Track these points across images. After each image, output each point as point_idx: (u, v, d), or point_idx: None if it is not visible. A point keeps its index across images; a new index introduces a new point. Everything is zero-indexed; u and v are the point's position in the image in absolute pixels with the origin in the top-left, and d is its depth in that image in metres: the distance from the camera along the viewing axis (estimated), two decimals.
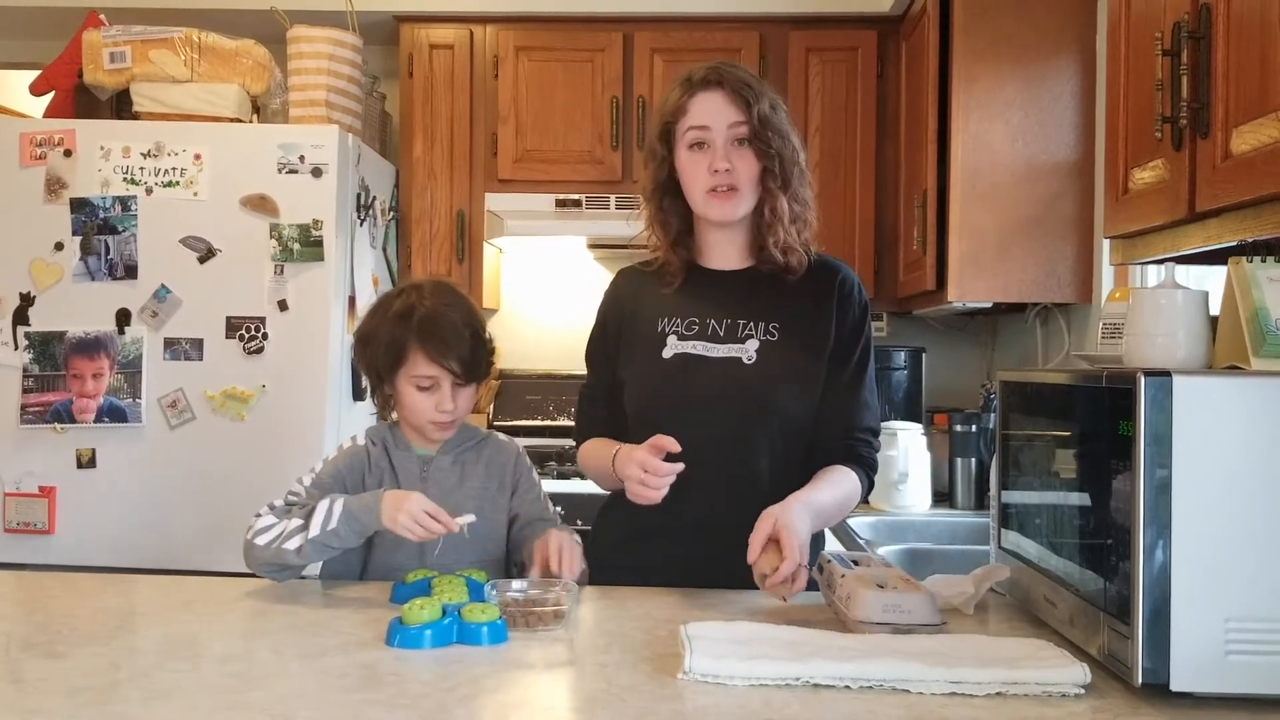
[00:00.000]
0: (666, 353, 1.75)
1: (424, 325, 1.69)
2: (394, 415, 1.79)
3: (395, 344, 1.69)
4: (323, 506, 1.60)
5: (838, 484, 1.71)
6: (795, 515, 1.55)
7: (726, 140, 1.71)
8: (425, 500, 1.57)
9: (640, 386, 1.77)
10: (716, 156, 1.70)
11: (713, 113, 1.72)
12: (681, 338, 1.75)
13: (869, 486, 1.79)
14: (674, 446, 1.57)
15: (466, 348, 1.71)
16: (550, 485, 2.93)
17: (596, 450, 1.78)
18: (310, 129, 2.93)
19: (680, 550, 1.71)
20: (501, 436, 1.86)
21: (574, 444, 1.89)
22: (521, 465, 1.83)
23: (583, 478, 1.88)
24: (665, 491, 1.58)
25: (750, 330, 1.73)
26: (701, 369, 1.72)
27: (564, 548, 1.63)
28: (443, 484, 1.74)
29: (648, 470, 1.57)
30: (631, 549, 1.74)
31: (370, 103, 3.38)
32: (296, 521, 1.60)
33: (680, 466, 1.58)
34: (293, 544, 1.59)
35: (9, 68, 4.00)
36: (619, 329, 1.82)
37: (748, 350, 1.73)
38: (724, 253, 1.80)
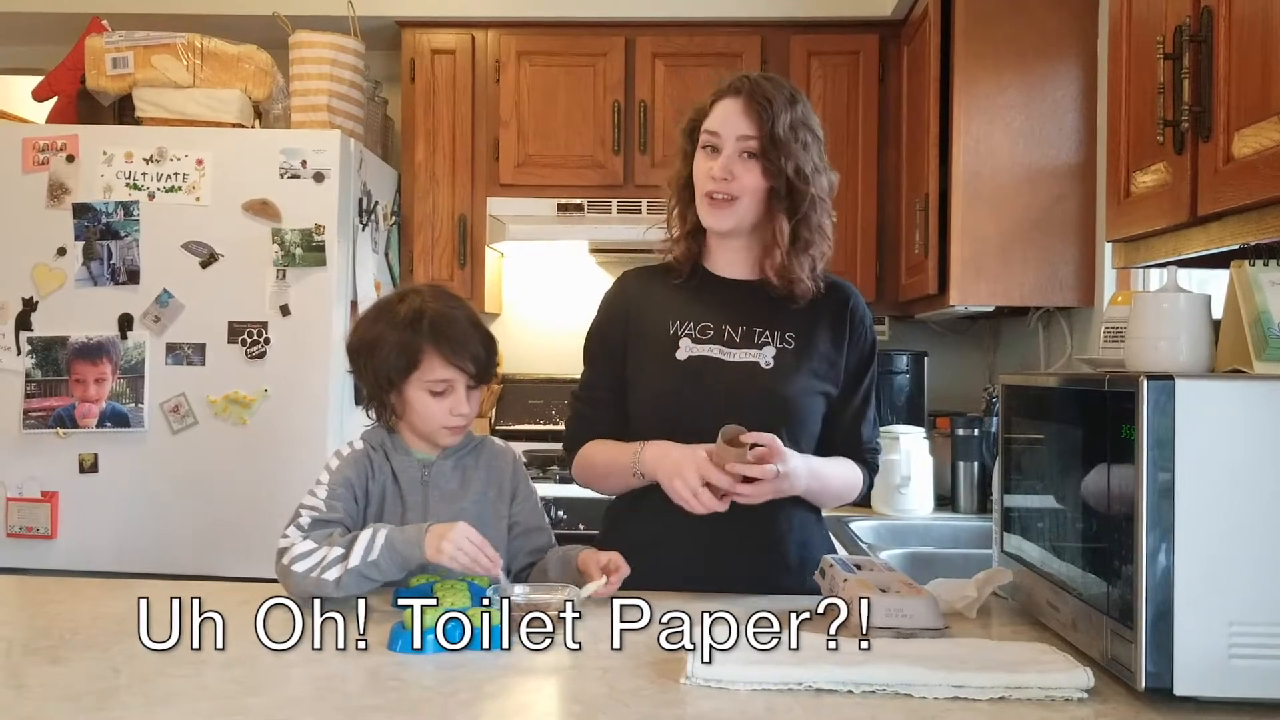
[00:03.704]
0: (680, 355, 1.73)
1: (436, 327, 1.65)
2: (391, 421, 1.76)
3: (408, 348, 1.65)
4: (364, 536, 1.54)
5: (842, 463, 1.78)
6: (797, 458, 1.63)
7: (734, 150, 1.70)
8: (471, 530, 1.52)
9: (653, 388, 1.76)
10: (719, 164, 1.70)
11: (726, 121, 1.71)
12: (696, 341, 1.74)
13: (869, 487, 1.85)
14: (764, 442, 1.57)
15: (480, 348, 1.68)
16: (553, 490, 2.96)
17: (606, 452, 1.76)
18: (312, 134, 2.94)
19: (693, 555, 1.70)
20: (498, 441, 1.83)
21: (566, 448, 1.86)
22: (520, 472, 1.80)
23: None
24: (706, 509, 1.58)
25: (767, 338, 1.74)
26: (719, 372, 1.71)
27: (620, 565, 1.61)
28: (444, 488, 1.72)
29: (705, 476, 1.56)
30: (644, 554, 1.71)
31: (372, 108, 3.39)
32: (337, 550, 1.54)
33: (731, 488, 1.56)
34: (331, 574, 1.53)
35: (12, 73, 4.00)
36: (625, 326, 1.80)
37: (765, 356, 1.73)
38: (730, 261, 1.80)
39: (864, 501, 2.81)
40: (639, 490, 1.74)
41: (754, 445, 1.56)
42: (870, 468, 1.84)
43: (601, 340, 1.84)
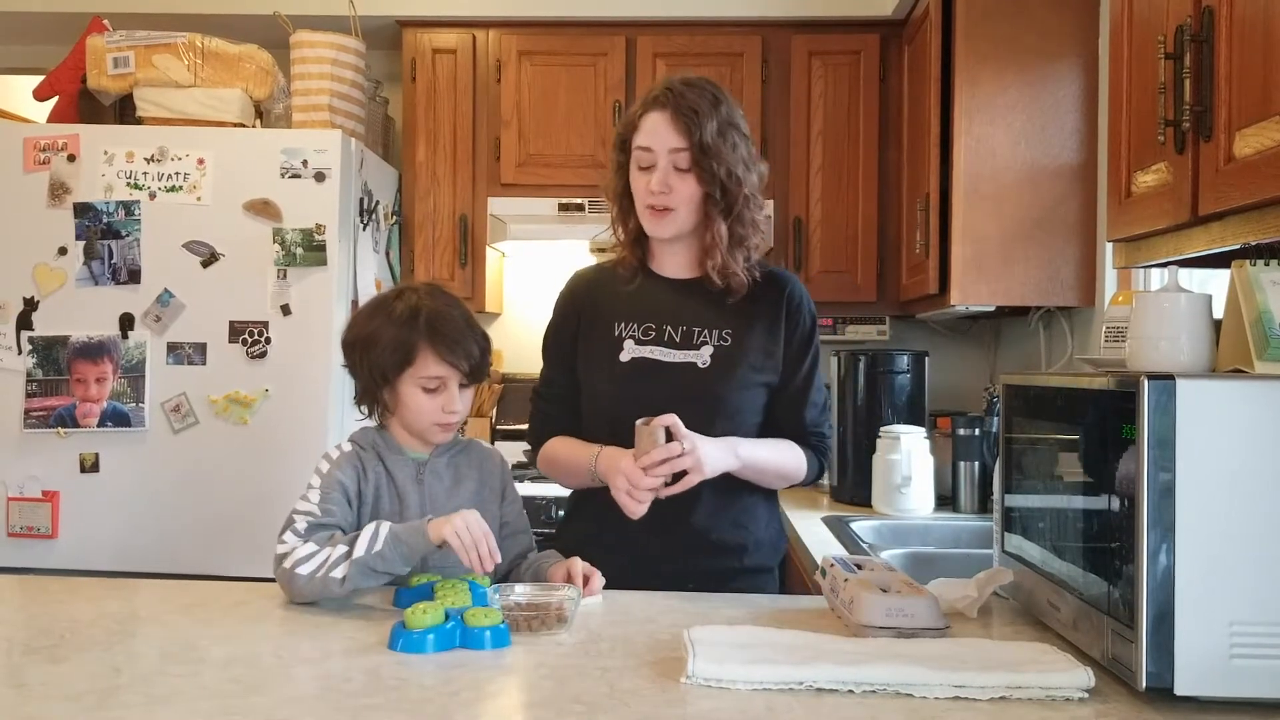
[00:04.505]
0: (623, 357, 1.83)
1: (432, 325, 1.67)
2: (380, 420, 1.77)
3: (403, 345, 1.67)
4: (367, 530, 1.54)
5: (778, 444, 1.84)
6: (704, 439, 1.69)
7: (668, 163, 1.78)
8: (479, 519, 1.54)
9: (599, 389, 1.86)
10: (656, 177, 1.78)
11: (657, 136, 1.78)
12: (639, 342, 1.83)
13: (819, 470, 1.91)
14: (670, 421, 1.66)
15: (475, 347, 1.70)
16: (553, 490, 2.95)
17: (567, 450, 1.86)
18: (313, 133, 2.94)
19: (641, 546, 1.77)
20: (485, 443, 1.87)
21: (530, 444, 1.95)
22: (507, 473, 1.84)
23: None
24: (645, 507, 1.67)
25: (705, 337, 1.82)
26: (657, 374, 1.80)
27: (593, 574, 1.65)
28: (438, 486, 1.73)
29: (632, 482, 1.65)
30: (596, 541, 1.78)
31: (373, 107, 3.39)
32: (341, 549, 1.54)
33: (659, 482, 1.66)
34: (337, 573, 1.52)
35: (13, 73, 4.01)
36: (576, 326, 1.90)
37: (702, 356, 1.81)
38: (674, 261, 1.89)
39: (865, 502, 2.83)
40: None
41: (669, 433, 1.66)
42: (817, 451, 1.89)
43: (556, 339, 1.94)
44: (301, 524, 1.61)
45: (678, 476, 1.68)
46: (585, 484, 1.82)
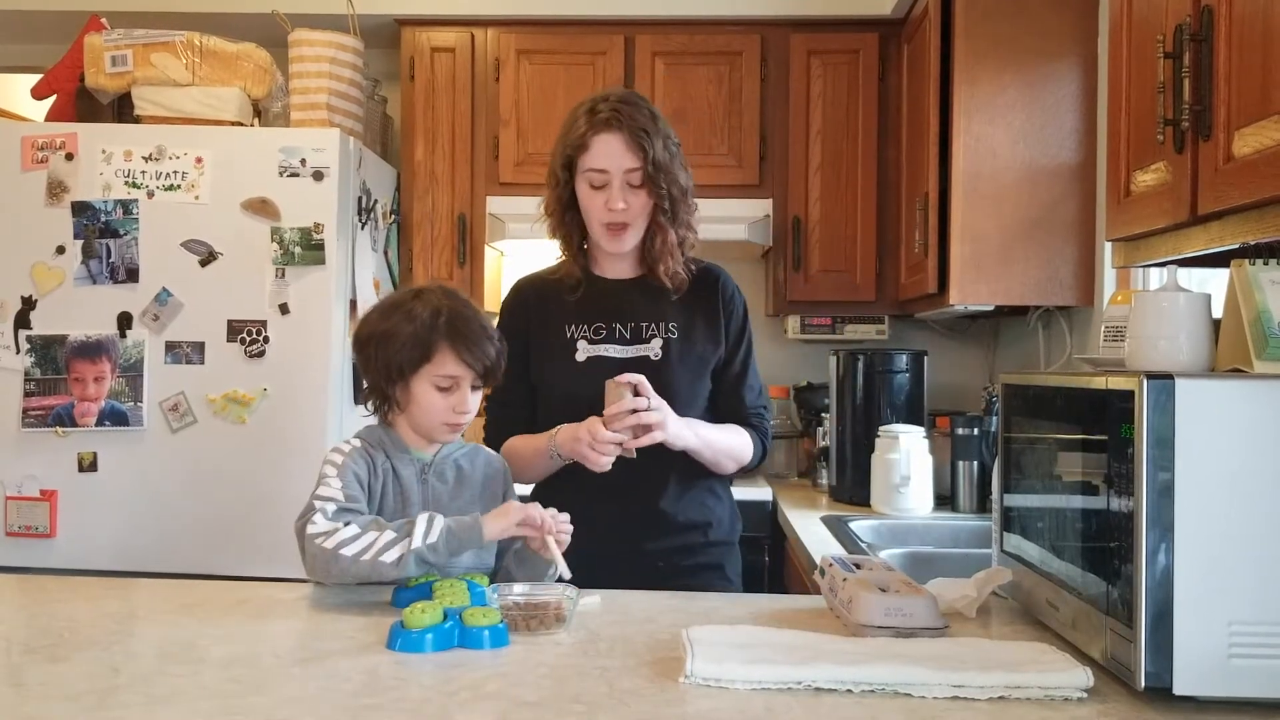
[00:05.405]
0: (579, 356, 1.93)
1: (453, 325, 1.69)
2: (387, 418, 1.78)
3: (422, 342, 1.69)
4: (422, 519, 1.56)
5: (725, 427, 1.97)
6: (670, 412, 1.81)
7: (621, 182, 1.87)
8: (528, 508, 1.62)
9: (558, 389, 1.94)
10: (613, 197, 1.88)
11: (611, 158, 1.87)
12: (591, 341, 1.95)
13: (763, 451, 2.03)
14: (638, 379, 1.78)
15: (492, 349, 1.73)
16: None
17: (524, 442, 1.94)
18: (311, 132, 2.94)
19: (605, 526, 1.84)
20: (486, 449, 1.88)
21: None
22: (509, 479, 1.86)
23: None
24: (610, 460, 1.77)
25: (653, 331, 1.95)
26: (615, 369, 1.87)
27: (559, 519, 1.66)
28: (442, 487, 1.74)
29: (594, 435, 1.75)
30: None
31: (371, 106, 3.39)
32: (389, 534, 1.55)
33: (623, 436, 1.75)
34: (390, 555, 1.53)
35: (11, 71, 4.00)
36: (526, 333, 1.98)
37: (653, 348, 1.94)
38: (618, 266, 2.00)
39: (863, 502, 2.82)
40: (552, 476, 1.93)
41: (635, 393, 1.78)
42: (759, 431, 2.01)
43: (510, 344, 1.95)
44: (330, 508, 1.60)
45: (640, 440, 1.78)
46: (547, 468, 1.90)
